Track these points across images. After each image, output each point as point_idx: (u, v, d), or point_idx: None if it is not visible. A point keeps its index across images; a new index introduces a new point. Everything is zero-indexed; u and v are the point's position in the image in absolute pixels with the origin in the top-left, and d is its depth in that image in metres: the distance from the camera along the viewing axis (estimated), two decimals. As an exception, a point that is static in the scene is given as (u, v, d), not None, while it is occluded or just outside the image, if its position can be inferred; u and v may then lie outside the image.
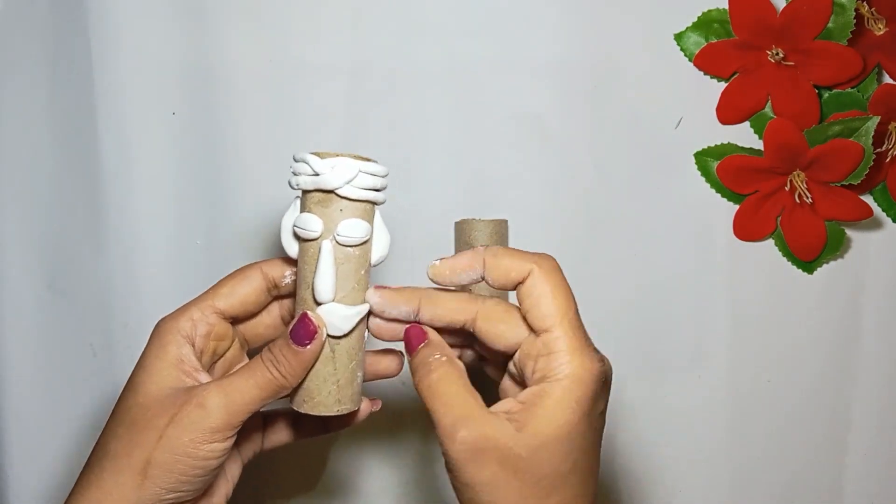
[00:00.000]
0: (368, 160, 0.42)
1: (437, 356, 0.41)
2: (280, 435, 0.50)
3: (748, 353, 0.65)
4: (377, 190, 0.42)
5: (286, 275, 0.45)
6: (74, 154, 0.64)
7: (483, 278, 0.42)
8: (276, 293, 0.45)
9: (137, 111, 0.63)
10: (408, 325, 0.43)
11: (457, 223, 0.61)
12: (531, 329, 0.41)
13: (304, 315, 0.41)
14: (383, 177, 0.43)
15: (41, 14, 0.63)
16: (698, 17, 0.62)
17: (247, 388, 0.40)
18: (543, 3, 0.62)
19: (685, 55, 0.62)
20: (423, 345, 0.42)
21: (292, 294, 0.45)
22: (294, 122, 0.63)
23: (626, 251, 0.64)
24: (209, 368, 0.45)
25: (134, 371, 0.43)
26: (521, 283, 0.41)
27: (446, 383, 0.40)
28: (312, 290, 0.42)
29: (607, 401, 0.42)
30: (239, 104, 0.62)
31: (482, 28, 0.62)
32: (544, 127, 0.63)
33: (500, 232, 0.62)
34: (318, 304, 0.42)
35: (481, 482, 0.37)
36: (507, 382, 0.44)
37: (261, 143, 0.63)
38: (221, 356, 0.45)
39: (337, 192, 0.41)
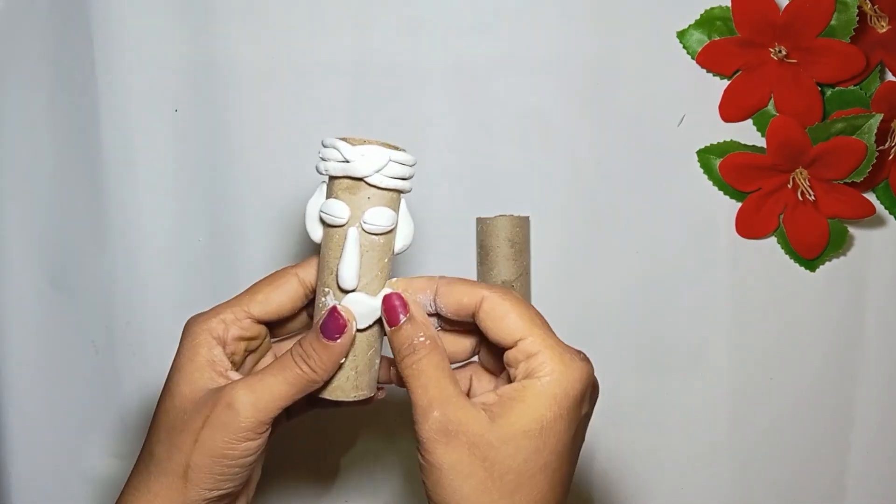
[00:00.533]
0: (397, 148, 0.42)
1: (420, 337, 0.40)
2: (298, 407, 0.49)
3: (750, 351, 0.65)
4: (405, 179, 0.42)
5: None
6: (76, 152, 0.64)
7: (435, 308, 0.42)
8: (313, 296, 0.45)
9: (139, 108, 0.63)
10: (387, 294, 0.42)
11: (478, 219, 0.61)
12: (504, 346, 0.40)
13: (334, 309, 0.41)
14: (411, 166, 0.42)
15: (43, 12, 0.63)
16: (701, 15, 0.62)
17: (276, 385, 0.40)
18: (546, 0, 0.62)
19: (688, 53, 0.62)
20: (405, 320, 0.41)
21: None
22: (297, 120, 0.63)
23: (628, 248, 0.64)
24: (240, 366, 0.45)
25: (169, 373, 0.43)
26: (476, 310, 0.40)
27: (428, 365, 0.40)
28: (336, 276, 0.42)
29: (593, 407, 0.41)
30: (241, 101, 0.62)
31: (484, 25, 0.62)
32: (547, 124, 0.63)
33: (523, 229, 0.62)
34: (343, 290, 0.42)
35: (448, 465, 0.37)
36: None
37: (263, 141, 0.63)
38: (253, 351, 0.46)
39: (366, 179, 0.41)
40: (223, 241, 0.64)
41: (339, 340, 0.41)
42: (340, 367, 0.42)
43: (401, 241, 0.43)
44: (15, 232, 0.65)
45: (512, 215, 0.62)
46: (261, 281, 0.45)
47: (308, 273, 0.44)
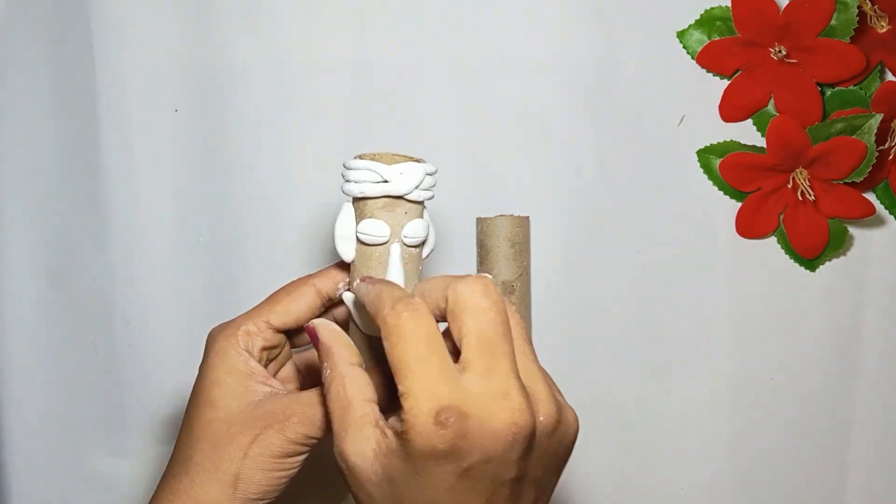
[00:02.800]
0: (419, 160, 0.43)
1: (326, 370, 0.39)
2: None
3: (750, 352, 0.65)
4: (432, 188, 0.44)
5: (339, 286, 0.45)
6: (76, 152, 0.64)
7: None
8: (330, 305, 0.46)
9: (139, 108, 0.63)
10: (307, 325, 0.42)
11: (478, 219, 0.62)
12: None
13: None
14: (434, 173, 0.44)
15: (43, 12, 0.63)
16: (701, 15, 0.62)
17: (321, 419, 0.41)
18: (546, 0, 0.62)
19: (688, 53, 0.62)
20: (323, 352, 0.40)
21: (341, 302, 0.45)
22: (297, 120, 0.63)
23: (628, 248, 0.64)
24: None
25: (204, 386, 0.43)
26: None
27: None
28: None
29: (515, 472, 0.35)
30: (241, 101, 0.62)
31: (484, 26, 0.62)
32: (546, 124, 0.63)
33: (523, 229, 0.62)
34: None
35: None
36: None
37: (263, 141, 0.63)
38: (273, 360, 0.46)
39: (406, 197, 0.42)
40: (223, 241, 0.64)
41: None
42: None
43: (428, 247, 0.45)
44: (14, 232, 0.65)
45: (512, 215, 0.62)
46: (279, 291, 0.45)
47: (325, 284, 0.45)
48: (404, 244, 0.43)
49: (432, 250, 0.45)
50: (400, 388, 0.34)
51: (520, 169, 0.63)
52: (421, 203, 0.43)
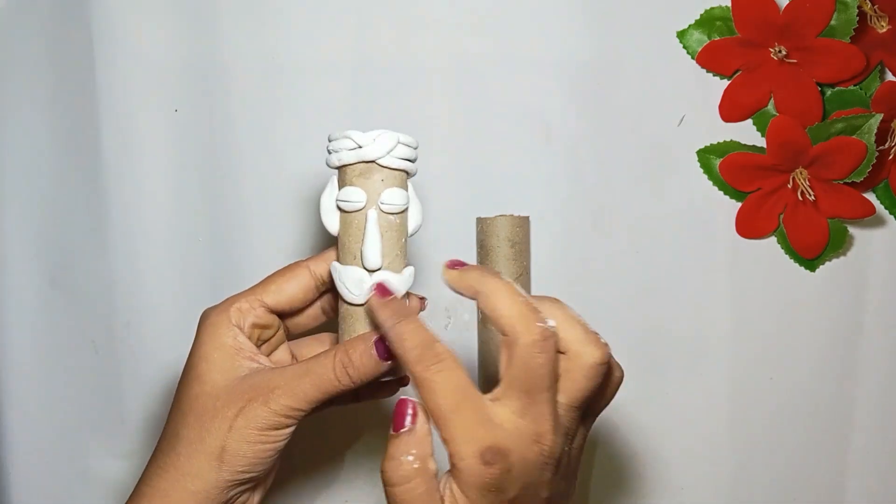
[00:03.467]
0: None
1: (409, 457, 0.39)
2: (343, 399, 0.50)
3: (750, 351, 0.65)
4: (411, 161, 0.45)
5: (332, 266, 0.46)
6: (76, 151, 0.64)
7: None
8: (324, 289, 0.47)
9: (139, 108, 0.63)
10: (402, 399, 0.41)
11: (478, 219, 0.62)
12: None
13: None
14: (415, 148, 0.46)
15: (43, 11, 0.63)
16: (701, 15, 0.62)
17: (311, 391, 0.42)
18: (546, 0, 0.62)
19: (688, 53, 0.62)
20: (406, 430, 0.40)
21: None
22: (297, 119, 0.63)
23: (628, 248, 0.64)
24: None
25: (193, 362, 0.44)
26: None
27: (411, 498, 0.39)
28: (361, 258, 0.44)
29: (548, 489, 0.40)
30: (241, 101, 0.62)
31: (484, 26, 0.62)
32: (546, 124, 0.63)
33: (523, 229, 0.62)
34: (368, 271, 0.44)
35: None
36: None
37: (263, 140, 0.63)
38: (266, 341, 0.47)
39: (378, 161, 0.44)
40: (223, 240, 0.64)
41: (388, 362, 0.42)
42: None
43: (413, 222, 0.46)
44: (15, 231, 0.65)
45: (512, 215, 0.62)
46: (274, 273, 0.47)
47: (319, 266, 0.46)
48: (381, 211, 0.44)
49: (418, 226, 0.46)
50: (441, 435, 0.38)
51: (520, 169, 0.63)
52: (399, 172, 0.44)
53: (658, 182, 0.64)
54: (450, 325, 0.64)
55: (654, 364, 0.66)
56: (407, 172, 0.45)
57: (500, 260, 0.62)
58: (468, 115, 0.63)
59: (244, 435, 0.41)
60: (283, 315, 0.47)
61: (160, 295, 0.64)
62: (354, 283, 0.44)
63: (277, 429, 0.42)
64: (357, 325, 0.44)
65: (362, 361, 0.42)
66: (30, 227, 0.65)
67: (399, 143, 0.44)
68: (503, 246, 0.62)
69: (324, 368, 0.42)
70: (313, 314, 0.49)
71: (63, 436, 0.66)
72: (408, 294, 0.46)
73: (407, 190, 0.46)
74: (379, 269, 0.44)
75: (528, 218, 0.63)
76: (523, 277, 0.63)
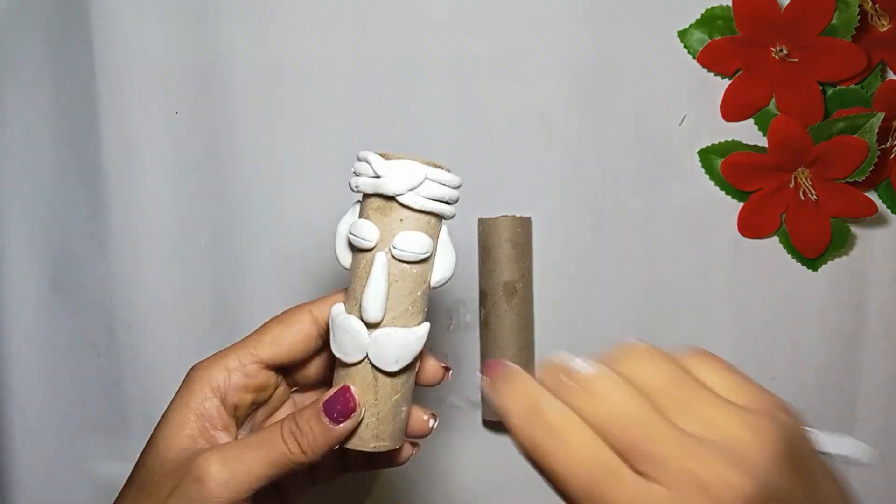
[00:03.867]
0: (440, 167, 0.37)
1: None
2: (326, 471, 0.44)
3: (753, 351, 0.65)
4: (446, 203, 0.37)
5: (333, 309, 0.40)
6: (77, 154, 0.64)
7: None
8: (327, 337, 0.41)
9: (140, 110, 0.63)
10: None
11: (480, 220, 0.61)
12: None
13: (346, 389, 0.37)
14: (455, 188, 0.38)
15: (43, 13, 0.63)
16: (702, 14, 0.62)
17: (255, 463, 0.36)
18: (546, 0, 0.62)
19: (689, 52, 0.62)
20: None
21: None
22: (297, 120, 0.63)
23: (629, 249, 0.64)
24: (247, 418, 0.41)
25: (158, 422, 0.40)
26: None
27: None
28: (360, 307, 0.37)
29: None
30: (242, 102, 0.62)
31: (486, 25, 0.62)
32: (548, 124, 0.63)
33: (525, 229, 0.62)
34: (367, 324, 0.37)
35: None
36: None
37: (264, 142, 0.63)
38: (263, 403, 0.42)
39: (398, 199, 0.36)
40: (224, 243, 0.64)
41: (342, 425, 0.36)
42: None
43: (438, 274, 0.38)
44: (16, 234, 0.65)
45: (513, 216, 0.62)
46: (271, 320, 0.41)
47: (322, 310, 0.40)
48: (393, 256, 0.36)
49: (446, 280, 0.38)
50: None
51: (521, 169, 0.63)
52: (427, 214, 0.37)
53: (659, 182, 0.64)
54: (452, 327, 0.64)
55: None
56: (439, 216, 0.37)
57: (502, 261, 0.62)
58: (469, 115, 0.63)
59: None
60: (285, 371, 0.41)
61: (161, 297, 0.64)
62: (347, 337, 0.37)
63: None
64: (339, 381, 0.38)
65: (310, 427, 0.36)
66: (31, 230, 0.65)
67: (427, 179, 0.36)
68: (505, 247, 0.62)
69: (272, 437, 0.37)
70: (321, 365, 0.42)
71: (65, 437, 0.66)
72: (423, 354, 0.39)
73: (436, 236, 0.37)
74: (378, 325, 0.37)
75: (529, 218, 0.63)
76: (525, 278, 0.63)
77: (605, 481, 0.27)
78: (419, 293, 0.37)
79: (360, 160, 0.37)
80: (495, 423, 0.64)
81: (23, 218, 0.65)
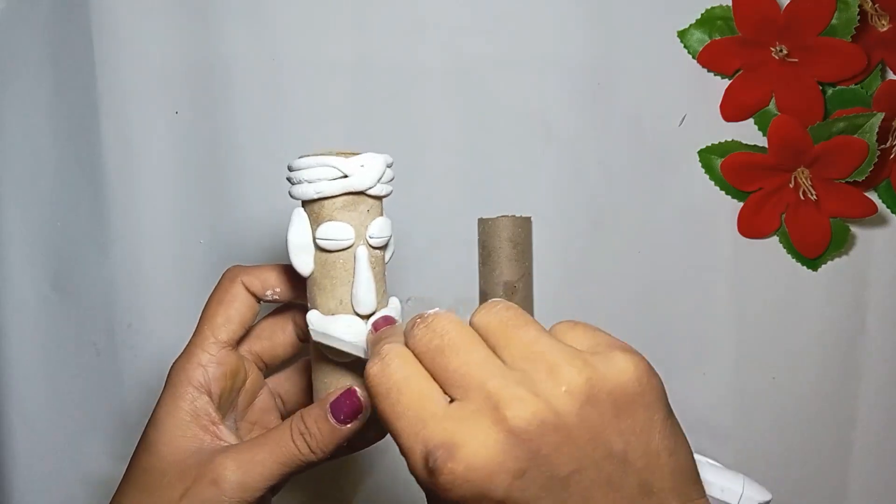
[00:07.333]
0: (357, 154, 0.39)
1: None
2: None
3: (753, 351, 0.65)
4: (391, 182, 0.40)
5: (268, 293, 0.42)
6: (77, 153, 0.64)
7: None
8: (268, 299, 0.43)
9: (140, 110, 0.63)
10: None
11: (480, 220, 0.61)
12: None
13: (352, 391, 0.38)
14: (392, 167, 0.40)
15: (44, 13, 0.63)
16: (702, 14, 0.62)
17: (267, 463, 0.37)
18: (547, 0, 0.62)
19: (689, 52, 0.62)
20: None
21: (297, 305, 0.42)
22: (297, 120, 0.62)
23: (630, 249, 0.64)
24: (231, 406, 0.42)
25: (147, 425, 0.40)
26: None
27: None
28: (352, 303, 0.38)
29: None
30: (241, 103, 0.62)
31: (485, 26, 0.62)
32: (548, 124, 0.63)
33: (525, 229, 0.62)
34: (361, 316, 0.38)
35: None
36: None
37: (264, 142, 0.63)
38: (241, 388, 0.43)
39: (368, 192, 0.38)
40: (224, 242, 0.64)
41: (349, 425, 0.38)
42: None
43: (391, 249, 0.41)
44: (16, 234, 0.65)
45: (514, 216, 0.62)
46: (211, 304, 0.42)
47: (252, 282, 0.41)
48: (370, 246, 0.38)
49: (393, 254, 0.41)
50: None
51: (521, 169, 0.63)
52: (381, 199, 0.39)
53: (659, 182, 0.64)
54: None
55: (657, 364, 0.65)
56: (385, 196, 0.40)
57: (503, 261, 0.62)
58: (469, 115, 0.63)
59: None
60: (267, 368, 0.43)
61: (161, 297, 0.64)
62: (349, 333, 0.38)
63: None
64: (334, 382, 0.39)
65: (318, 427, 0.38)
66: (31, 230, 0.65)
67: (386, 166, 0.39)
68: (505, 247, 0.62)
69: (282, 437, 0.38)
70: (289, 341, 0.44)
71: (65, 437, 0.66)
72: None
73: (384, 215, 0.40)
74: (374, 313, 0.38)
75: (529, 218, 0.63)
76: (525, 278, 0.63)
77: (416, 402, 0.29)
78: (384, 272, 0.40)
79: (304, 167, 0.38)
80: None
81: (23, 218, 0.65)
